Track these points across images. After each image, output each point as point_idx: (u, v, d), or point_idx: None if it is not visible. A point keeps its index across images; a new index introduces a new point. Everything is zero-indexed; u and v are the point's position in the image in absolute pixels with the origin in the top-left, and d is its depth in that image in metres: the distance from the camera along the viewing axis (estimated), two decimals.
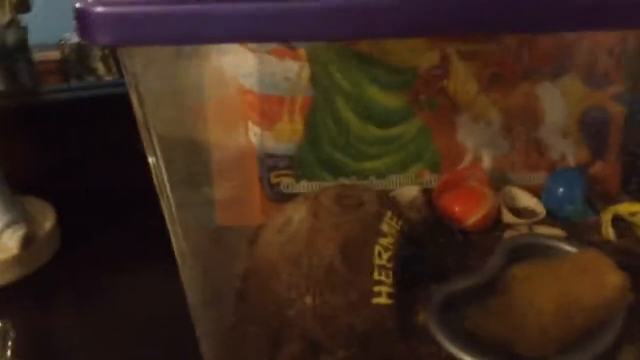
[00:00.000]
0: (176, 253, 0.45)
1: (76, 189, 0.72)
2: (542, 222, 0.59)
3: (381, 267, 0.46)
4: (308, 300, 0.46)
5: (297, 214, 0.49)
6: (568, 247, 0.53)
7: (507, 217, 0.59)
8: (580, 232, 0.58)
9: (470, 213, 0.58)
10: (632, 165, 0.66)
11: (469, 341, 0.46)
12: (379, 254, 0.47)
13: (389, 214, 0.49)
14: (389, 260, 0.47)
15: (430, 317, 0.47)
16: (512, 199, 0.62)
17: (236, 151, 0.64)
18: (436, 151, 0.65)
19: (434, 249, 0.54)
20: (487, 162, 0.65)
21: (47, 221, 0.68)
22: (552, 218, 0.60)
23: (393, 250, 0.47)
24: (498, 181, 0.64)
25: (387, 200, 0.50)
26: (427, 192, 0.62)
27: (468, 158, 0.66)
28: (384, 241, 0.47)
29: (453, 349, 0.45)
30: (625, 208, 0.58)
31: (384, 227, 0.48)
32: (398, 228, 0.48)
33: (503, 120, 0.64)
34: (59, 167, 0.76)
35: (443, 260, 0.53)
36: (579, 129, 0.65)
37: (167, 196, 0.43)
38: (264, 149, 0.63)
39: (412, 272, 0.50)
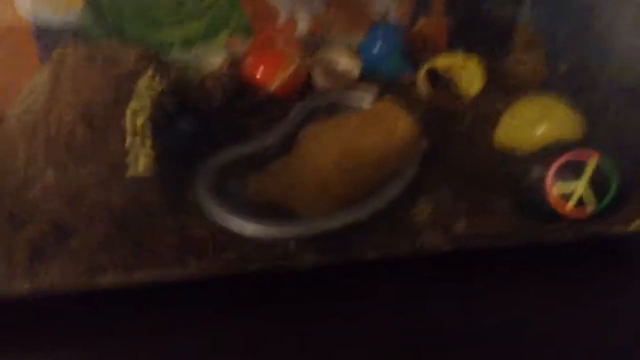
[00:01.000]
0: None
1: None
2: (358, 82, 0.54)
3: (134, 132, 0.40)
4: (49, 175, 0.39)
5: (40, 79, 0.41)
6: (366, 100, 0.47)
7: (319, 80, 0.53)
8: (397, 90, 0.52)
9: (274, 75, 0.51)
10: (460, 21, 0.60)
11: (242, 207, 0.40)
12: (130, 118, 0.39)
13: (149, 72, 0.41)
14: (143, 124, 0.40)
15: (200, 187, 0.41)
16: (329, 62, 0.56)
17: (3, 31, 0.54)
18: (243, 14, 0.57)
19: (224, 115, 0.48)
20: (302, 24, 0.58)
21: None
22: (370, 77, 0.54)
23: (149, 113, 0.40)
24: (316, 45, 0.58)
25: (149, 58, 0.42)
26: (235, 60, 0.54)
27: (281, 20, 0.59)
28: (136, 103, 0.40)
29: (219, 217, 0.39)
30: (440, 62, 0.53)
31: (140, 87, 0.40)
32: (159, 89, 0.41)
33: None
34: None
35: (232, 128, 0.47)
36: None
37: None
38: (38, 24, 0.54)
39: (189, 140, 0.44)
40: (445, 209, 0.42)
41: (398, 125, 0.43)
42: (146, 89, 0.41)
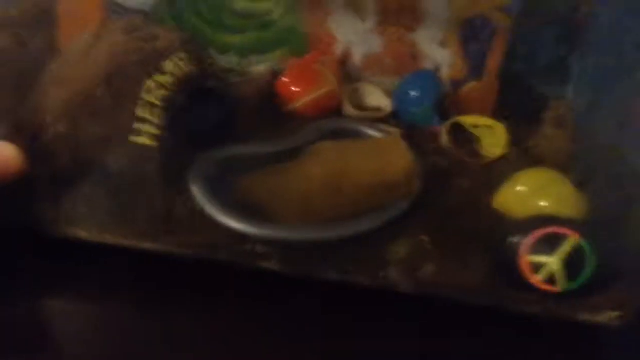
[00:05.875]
0: None
1: None
2: (383, 120, 0.55)
3: (149, 104, 0.43)
4: (61, 127, 0.42)
5: (82, 39, 0.46)
6: (378, 134, 0.48)
7: (348, 109, 0.55)
8: (420, 136, 0.53)
9: (303, 93, 0.53)
10: (511, 88, 0.60)
11: (226, 199, 0.42)
12: (149, 90, 0.43)
13: (181, 55, 0.45)
14: (160, 99, 0.43)
15: (195, 172, 0.43)
16: (362, 95, 0.57)
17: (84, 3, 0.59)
18: (304, 37, 0.60)
19: (246, 117, 0.50)
20: (356, 58, 0.61)
21: None
22: (397, 119, 0.55)
23: (169, 91, 0.43)
24: (358, 79, 0.60)
25: (184, 43, 0.45)
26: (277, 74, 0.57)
27: (337, 51, 0.61)
28: (160, 78, 0.43)
29: (201, 200, 0.41)
30: (469, 119, 0.53)
31: (168, 65, 0.44)
32: (186, 70, 0.44)
33: (379, 16, 0.59)
34: None
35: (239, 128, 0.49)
36: (460, 40, 0.60)
37: None
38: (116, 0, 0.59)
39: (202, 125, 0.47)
40: (419, 252, 0.42)
41: (396, 161, 0.43)
42: (173, 68, 0.44)
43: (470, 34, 0.59)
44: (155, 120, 0.43)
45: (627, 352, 0.40)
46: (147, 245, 0.42)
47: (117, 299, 0.42)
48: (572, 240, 0.38)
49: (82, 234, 0.42)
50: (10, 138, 0.41)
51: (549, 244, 0.39)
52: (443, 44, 0.60)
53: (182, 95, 0.44)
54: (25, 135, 0.42)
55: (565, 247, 0.38)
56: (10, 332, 0.39)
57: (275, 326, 0.40)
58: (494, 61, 0.60)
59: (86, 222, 0.42)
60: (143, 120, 0.43)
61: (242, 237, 0.41)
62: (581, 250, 0.38)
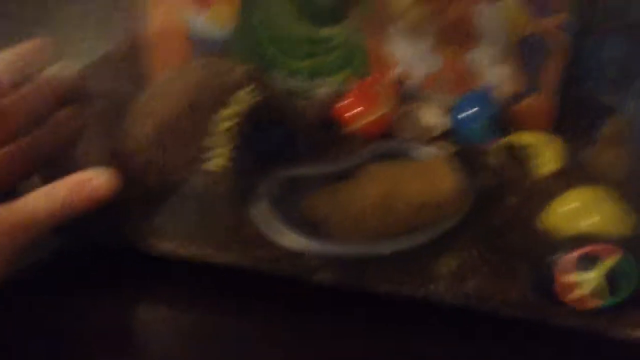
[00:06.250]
0: None
1: None
2: (440, 138, 0.58)
3: (221, 133, 0.48)
4: (151, 152, 0.48)
5: (167, 74, 0.52)
6: (428, 154, 0.52)
7: (400, 129, 0.58)
8: (474, 154, 0.56)
9: (360, 115, 0.57)
10: (570, 104, 0.62)
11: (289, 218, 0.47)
12: (223, 120, 0.48)
13: (248, 87, 0.50)
14: (231, 127, 0.48)
15: (261, 193, 0.48)
16: (416, 114, 0.60)
17: (170, 34, 0.66)
18: (366, 58, 0.64)
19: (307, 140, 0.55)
20: (415, 77, 0.64)
21: None
22: (454, 137, 0.58)
23: (240, 119, 0.48)
24: (417, 99, 0.63)
25: (253, 76, 0.50)
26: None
27: (397, 70, 0.65)
28: (229, 111, 0.48)
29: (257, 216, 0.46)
30: (523, 137, 0.55)
31: (239, 97, 0.49)
32: (254, 100, 0.49)
33: (437, 37, 0.62)
34: None
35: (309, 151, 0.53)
36: (517, 57, 0.62)
37: None
38: (197, 33, 0.65)
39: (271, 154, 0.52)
40: (467, 267, 0.45)
41: (443, 182, 0.46)
42: (241, 100, 0.49)
43: (528, 51, 0.61)
44: (224, 149, 0.48)
45: None
46: (218, 257, 0.47)
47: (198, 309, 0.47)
48: (615, 256, 0.40)
49: (168, 246, 0.48)
50: (106, 163, 0.47)
51: (590, 261, 0.40)
52: (500, 62, 0.62)
53: (251, 123, 0.49)
54: (119, 160, 0.49)
55: (607, 263, 0.40)
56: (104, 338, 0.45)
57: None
58: (552, 76, 0.61)
59: (171, 236, 0.48)
60: (215, 147, 0.48)
61: (298, 255, 0.46)
62: (623, 265, 0.40)
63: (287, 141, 0.53)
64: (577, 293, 0.41)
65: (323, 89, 0.64)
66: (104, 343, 0.44)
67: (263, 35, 0.65)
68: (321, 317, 0.45)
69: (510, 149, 0.55)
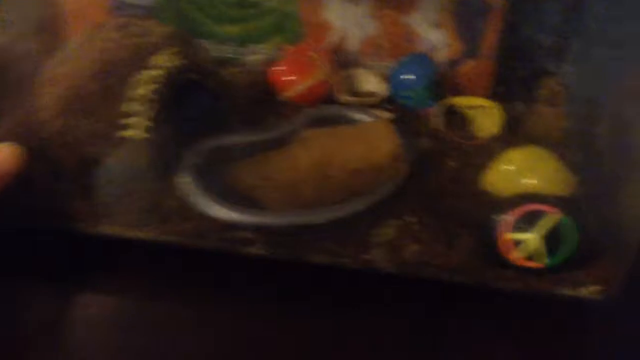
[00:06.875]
0: None
1: None
2: (379, 105, 0.56)
3: (140, 97, 0.44)
4: (58, 123, 0.44)
5: (78, 38, 0.47)
6: (368, 119, 0.49)
7: (341, 96, 0.56)
8: (414, 119, 0.54)
9: (295, 84, 0.54)
10: (506, 67, 0.60)
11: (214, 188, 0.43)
12: (139, 84, 0.44)
13: (172, 49, 0.46)
14: (150, 92, 0.44)
15: (184, 163, 0.45)
16: (356, 81, 0.58)
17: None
18: (300, 24, 0.61)
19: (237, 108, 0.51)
20: (351, 43, 0.61)
21: None
22: (393, 103, 0.56)
23: (159, 84, 0.44)
24: (355, 64, 0.60)
25: (175, 37, 0.47)
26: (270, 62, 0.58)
27: (333, 37, 0.62)
28: (151, 72, 0.44)
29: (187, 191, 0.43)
30: (462, 100, 0.53)
31: (158, 59, 0.45)
32: (176, 64, 0.46)
33: (373, 0, 0.60)
34: None
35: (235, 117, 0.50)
36: (454, 21, 0.60)
37: None
38: None
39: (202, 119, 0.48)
40: (405, 233, 0.43)
41: (382, 144, 0.44)
42: (163, 61, 0.45)
43: (465, 14, 0.59)
44: (146, 113, 0.44)
45: (611, 327, 0.41)
46: (138, 234, 0.43)
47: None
48: (553, 216, 0.39)
49: (80, 225, 0.44)
50: (10, 137, 0.43)
51: (529, 222, 0.39)
52: (438, 25, 0.60)
53: (172, 88, 0.46)
54: (24, 133, 0.44)
55: (546, 224, 0.39)
56: None
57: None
58: (489, 41, 0.59)
59: (81, 216, 0.44)
60: (132, 114, 0.44)
61: (231, 225, 0.43)
62: (562, 227, 0.39)
63: (215, 108, 0.49)
64: (518, 252, 0.39)
65: (255, 56, 0.60)
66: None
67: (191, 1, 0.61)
68: (254, 291, 0.42)
69: (449, 113, 0.53)
